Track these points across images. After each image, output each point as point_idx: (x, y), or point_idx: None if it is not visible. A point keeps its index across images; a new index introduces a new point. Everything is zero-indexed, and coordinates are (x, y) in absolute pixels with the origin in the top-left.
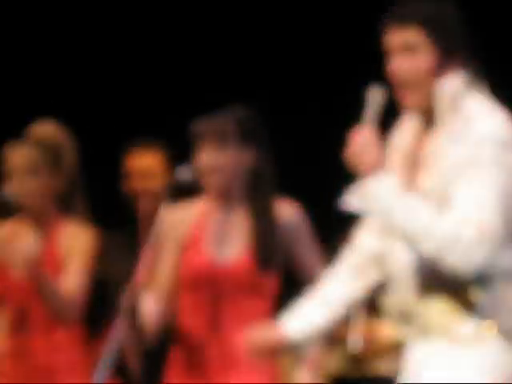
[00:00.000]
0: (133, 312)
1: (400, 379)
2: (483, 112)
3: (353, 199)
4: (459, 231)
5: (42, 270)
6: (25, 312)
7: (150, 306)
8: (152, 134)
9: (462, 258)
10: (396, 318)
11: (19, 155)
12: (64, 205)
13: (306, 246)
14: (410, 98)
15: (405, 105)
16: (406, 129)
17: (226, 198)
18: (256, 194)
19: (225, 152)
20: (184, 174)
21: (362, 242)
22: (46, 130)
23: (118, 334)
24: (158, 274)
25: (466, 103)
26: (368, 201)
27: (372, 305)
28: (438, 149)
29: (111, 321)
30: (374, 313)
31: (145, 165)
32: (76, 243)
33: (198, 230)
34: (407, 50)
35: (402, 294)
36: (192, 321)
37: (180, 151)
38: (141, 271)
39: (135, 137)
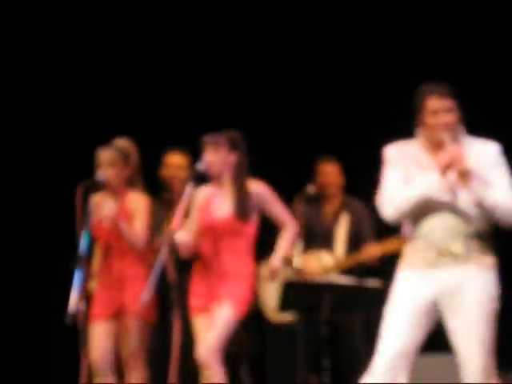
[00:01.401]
0: (172, 244)
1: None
2: (479, 141)
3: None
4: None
5: (121, 219)
6: (109, 245)
7: (184, 239)
8: (178, 143)
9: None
10: (434, 252)
11: (105, 155)
12: (130, 183)
13: (273, 204)
14: (447, 131)
15: (443, 133)
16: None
17: (219, 180)
18: (236, 178)
19: (218, 154)
20: (199, 167)
21: None
22: (122, 141)
23: (162, 258)
24: (188, 224)
25: (463, 136)
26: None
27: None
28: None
29: (159, 249)
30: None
31: (177, 161)
32: (138, 205)
33: (206, 200)
34: (449, 111)
35: (441, 237)
36: (205, 250)
37: (196, 154)
38: (176, 221)
39: (169, 146)
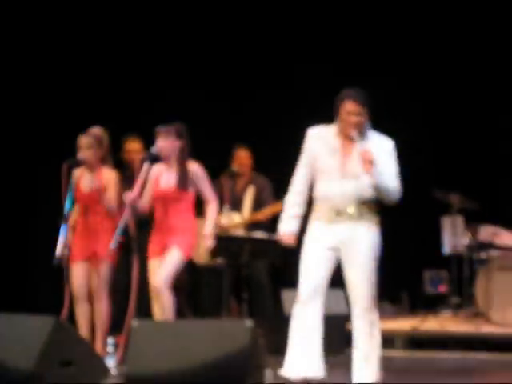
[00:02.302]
0: (133, 207)
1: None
2: (380, 136)
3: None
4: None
5: (98, 188)
6: (87, 207)
7: (142, 204)
8: (134, 130)
9: (397, 195)
10: (332, 213)
11: (84, 140)
12: (103, 161)
13: (203, 182)
14: (355, 129)
15: (352, 130)
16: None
17: (168, 160)
18: (180, 159)
19: (168, 141)
20: (152, 150)
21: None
22: (96, 129)
23: (125, 217)
24: (146, 193)
25: (368, 131)
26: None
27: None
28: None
29: (124, 209)
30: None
31: (135, 147)
32: (110, 178)
33: (159, 175)
34: (358, 115)
35: (340, 202)
36: (157, 212)
37: (150, 141)
38: (136, 189)
39: (128, 132)
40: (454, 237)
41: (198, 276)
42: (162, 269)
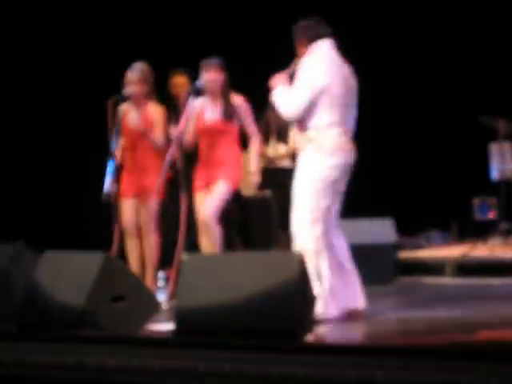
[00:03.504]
0: (179, 142)
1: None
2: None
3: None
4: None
5: (144, 126)
6: (134, 143)
7: (187, 137)
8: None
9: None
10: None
11: (131, 75)
12: (149, 96)
13: (246, 116)
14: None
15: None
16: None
17: (212, 93)
18: (225, 92)
19: (216, 74)
20: (198, 84)
21: None
22: (141, 64)
23: (172, 152)
24: (189, 128)
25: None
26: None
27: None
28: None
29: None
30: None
31: (181, 81)
32: (156, 114)
33: (202, 109)
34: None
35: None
36: (202, 145)
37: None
38: (182, 123)
39: (170, 67)
40: (501, 163)
41: (246, 208)
42: (209, 202)
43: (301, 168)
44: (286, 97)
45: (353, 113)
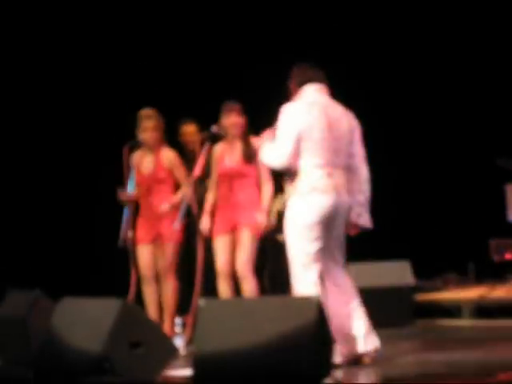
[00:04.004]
0: (194, 186)
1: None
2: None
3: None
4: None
5: (158, 170)
6: (149, 188)
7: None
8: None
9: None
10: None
11: (149, 122)
12: (161, 142)
13: (263, 164)
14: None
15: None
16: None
17: (232, 137)
18: (245, 135)
19: (239, 117)
20: (213, 129)
21: None
22: (153, 111)
23: (188, 196)
24: (212, 175)
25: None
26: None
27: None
28: None
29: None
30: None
31: (191, 130)
32: (171, 158)
33: (222, 154)
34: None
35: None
36: (222, 189)
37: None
38: (197, 169)
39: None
40: None
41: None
42: (241, 254)
43: (286, 213)
44: (270, 150)
45: (345, 153)
